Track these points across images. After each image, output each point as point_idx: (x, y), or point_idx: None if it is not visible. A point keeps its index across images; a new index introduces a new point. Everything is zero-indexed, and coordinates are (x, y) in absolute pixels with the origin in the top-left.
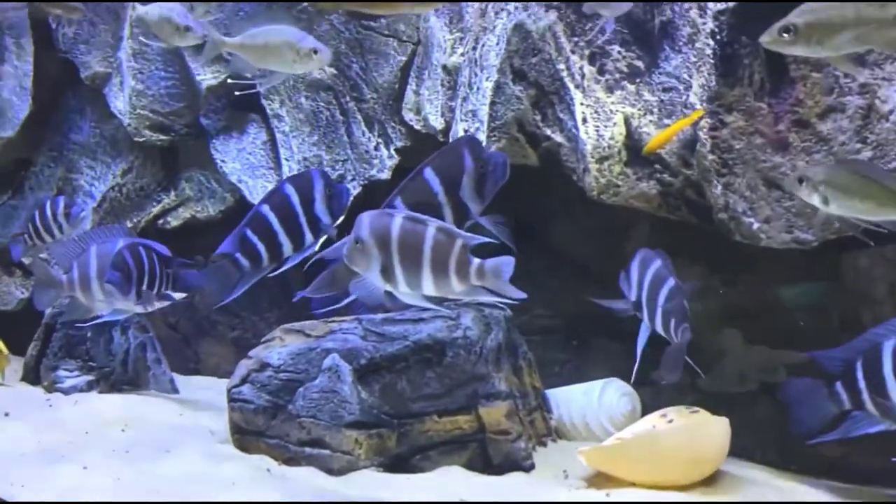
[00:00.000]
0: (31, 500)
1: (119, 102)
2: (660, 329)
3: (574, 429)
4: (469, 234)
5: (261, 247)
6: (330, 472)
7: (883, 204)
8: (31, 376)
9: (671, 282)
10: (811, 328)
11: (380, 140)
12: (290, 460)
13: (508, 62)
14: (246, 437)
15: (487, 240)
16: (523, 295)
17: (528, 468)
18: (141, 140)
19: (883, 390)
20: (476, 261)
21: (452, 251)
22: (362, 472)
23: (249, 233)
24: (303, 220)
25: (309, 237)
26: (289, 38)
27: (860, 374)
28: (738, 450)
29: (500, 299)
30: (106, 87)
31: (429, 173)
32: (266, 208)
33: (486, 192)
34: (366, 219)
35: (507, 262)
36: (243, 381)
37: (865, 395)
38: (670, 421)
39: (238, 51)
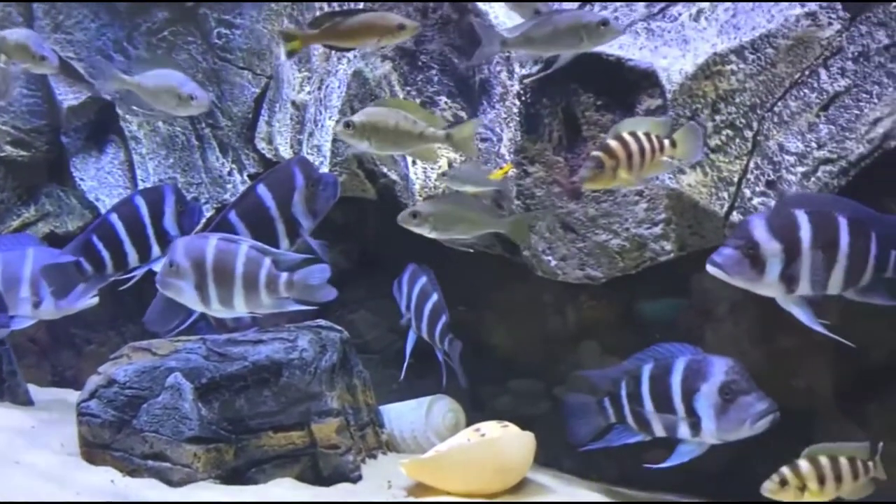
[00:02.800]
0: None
1: None
2: (427, 338)
3: (404, 442)
4: (281, 251)
5: (105, 254)
6: (170, 483)
7: (474, 225)
8: None
9: (435, 297)
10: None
11: (233, 166)
12: (134, 472)
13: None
14: (93, 449)
15: (301, 256)
16: (331, 296)
17: (356, 479)
18: (2, 155)
19: (641, 407)
20: (284, 274)
21: (262, 268)
22: (200, 483)
23: (95, 239)
24: (150, 231)
25: (156, 250)
26: (172, 83)
27: (623, 392)
28: (549, 459)
29: (306, 307)
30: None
31: (262, 189)
32: (114, 217)
33: (317, 210)
34: (180, 243)
35: (317, 270)
36: (91, 395)
37: (627, 411)
38: (483, 435)
39: (133, 89)
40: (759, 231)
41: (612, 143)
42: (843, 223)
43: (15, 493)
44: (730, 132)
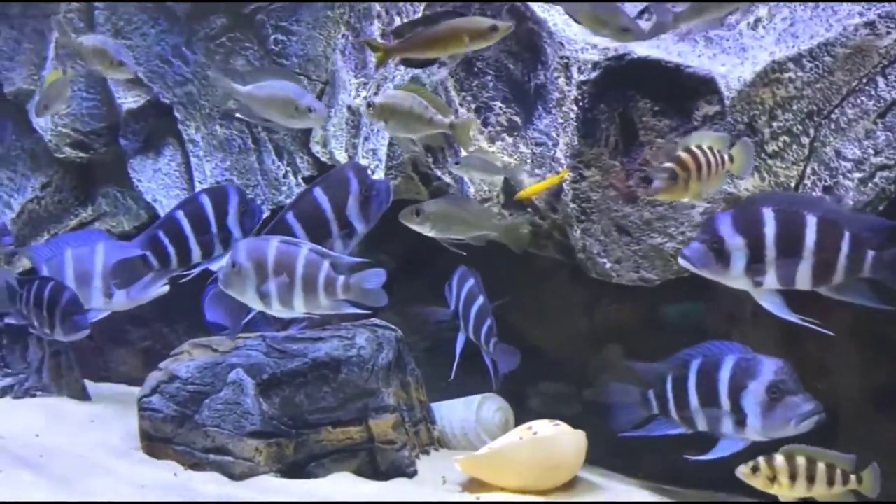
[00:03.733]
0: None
1: (41, 120)
2: (474, 338)
3: (454, 439)
4: (339, 255)
5: (171, 249)
6: (232, 476)
7: (470, 226)
8: None
9: (480, 300)
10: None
11: (288, 168)
12: (196, 465)
13: None
14: (155, 443)
15: (357, 259)
16: (384, 301)
17: (411, 474)
18: (61, 156)
19: (685, 400)
20: (342, 277)
21: (321, 270)
22: (261, 477)
23: (162, 234)
24: (214, 229)
25: (218, 248)
26: (290, 95)
27: (669, 385)
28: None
29: (361, 311)
30: (29, 104)
31: (318, 192)
32: (180, 213)
33: (370, 214)
34: (242, 245)
35: (373, 275)
36: (153, 391)
37: (671, 403)
38: (535, 433)
39: (245, 100)
40: (724, 226)
41: (684, 155)
42: (811, 221)
43: (81, 486)
44: (787, 138)
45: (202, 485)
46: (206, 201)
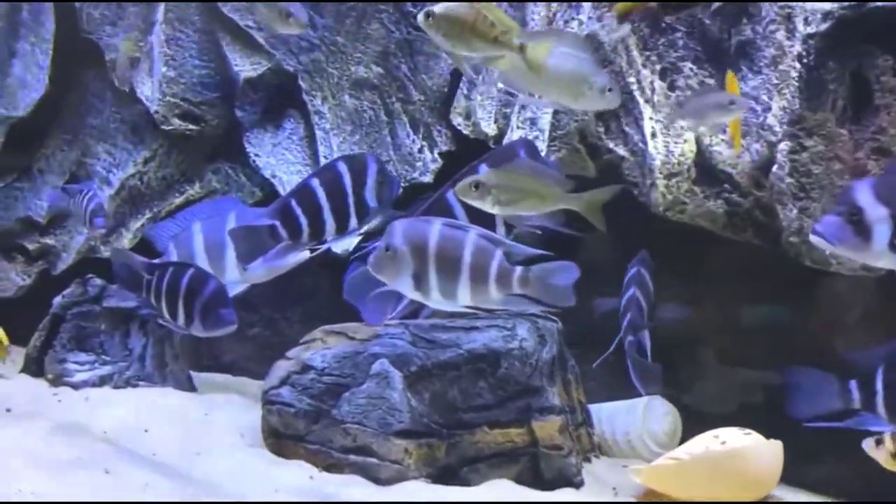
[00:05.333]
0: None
1: (147, 88)
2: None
3: (616, 445)
4: (514, 243)
5: (303, 220)
6: (377, 480)
7: (543, 200)
8: (33, 368)
9: (630, 291)
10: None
11: (424, 143)
12: (333, 467)
13: None
14: (283, 441)
15: (536, 251)
16: (571, 302)
17: (578, 484)
18: (169, 128)
19: None
20: (519, 268)
21: (493, 259)
22: (411, 482)
23: (294, 203)
24: (351, 201)
25: (353, 221)
26: (584, 71)
27: (880, 378)
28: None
29: (541, 308)
30: (132, 72)
31: (482, 167)
32: (315, 182)
33: None
34: (398, 226)
35: (561, 268)
36: (282, 382)
37: (880, 398)
38: (723, 443)
39: (515, 67)
40: (864, 196)
41: None
42: None
43: (205, 490)
44: None
45: (344, 489)
46: (345, 170)
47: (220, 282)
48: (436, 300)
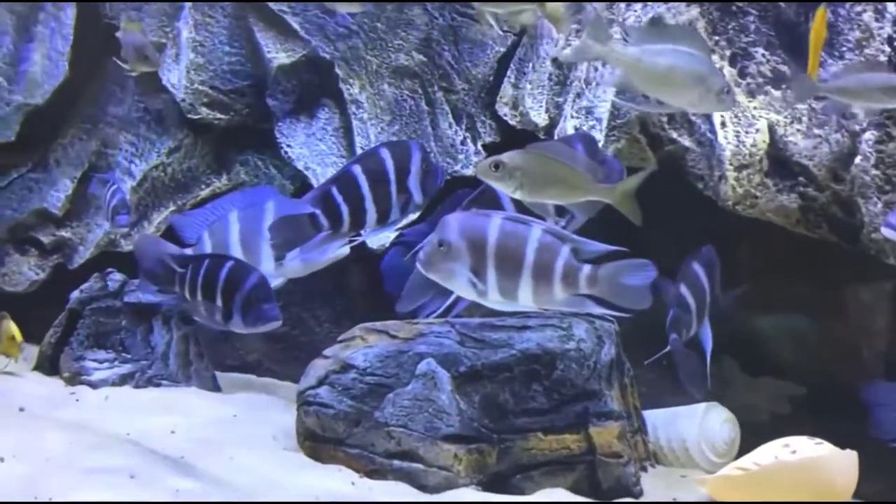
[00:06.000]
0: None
1: (173, 76)
2: None
3: (672, 453)
4: (583, 239)
5: (344, 209)
6: (423, 488)
7: (571, 189)
8: (47, 366)
9: (678, 287)
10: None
11: (467, 134)
12: (375, 473)
13: None
14: (321, 444)
15: (606, 246)
16: (646, 304)
17: (638, 494)
18: (195, 118)
19: None
20: (587, 266)
21: (559, 256)
22: (461, 490)
23: (335, 191)
24: (394, 189)
25: (396, 212)
26: (701, 72)
27: None
28: None
29: (607, 311)
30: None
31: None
32: (357, 169)
33: None
34: (454, 221)
35: (635, 266)
36: (321, 382)
37: None
38: (794, 452)
39: (628, 67)
40: None
41: None
42: None
43: (239, 496)
44: None
45: (389, 496)
46: (388, 157)
47: (263, 274)
48: (494, 300)
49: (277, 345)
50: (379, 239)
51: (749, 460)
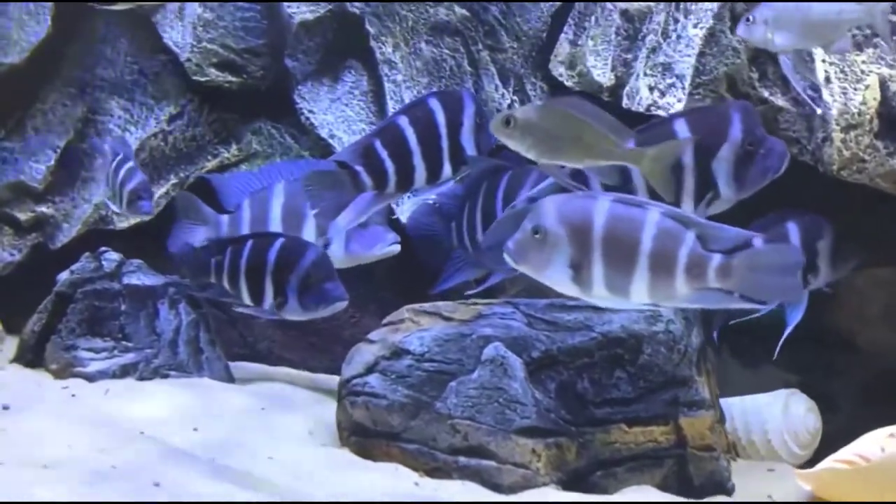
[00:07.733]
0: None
1: (176, 33)
2: None
3: (751, 445)
4: (713, 223)
5: (390, 165)
6: (497, 488)
7: (588, 151)
8: (29, 357)
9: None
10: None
11: (515, 97)
12: (437, 471)
13: (729, 6)
14: (371, 440)
15: (744, 232)
16: (798, 297)
17: (731, 490)
18: (203, 80)
19: None
20: (718, 255)
21: (683, 244)
22: (541, 490)
23: (379, 145)
24: (445, 144)
25: (447, 169)
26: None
27: None
28: None
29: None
30: (157, 15)
31: (680, 125)
32: (404, 120)
33: (748, 179)
34: (550, 203)
35: (777, 253)
36: (369, 370)
37: None
38: None
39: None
40: None
41: None
42: None
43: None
44: None
45: (459, 498)
46: (438, 107)
47: (321, 249)
48: (600, 296)
49: (291, 332)
50: (408, 211)
51: (851, 452)
